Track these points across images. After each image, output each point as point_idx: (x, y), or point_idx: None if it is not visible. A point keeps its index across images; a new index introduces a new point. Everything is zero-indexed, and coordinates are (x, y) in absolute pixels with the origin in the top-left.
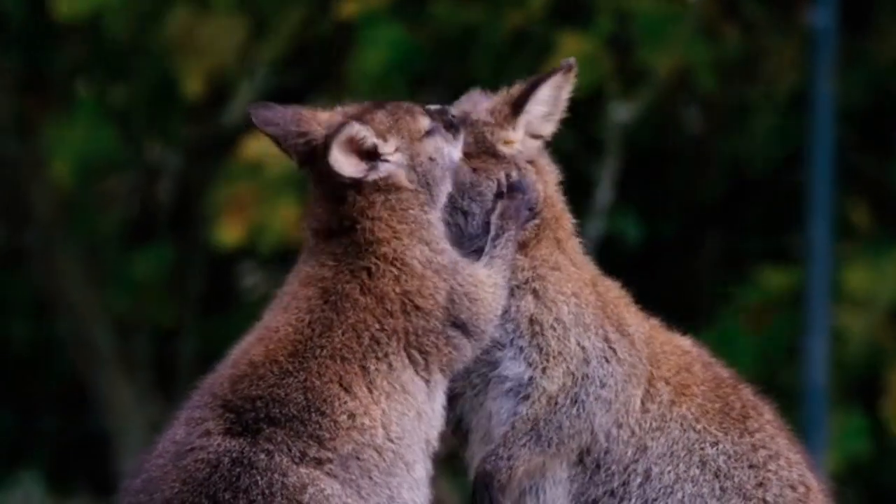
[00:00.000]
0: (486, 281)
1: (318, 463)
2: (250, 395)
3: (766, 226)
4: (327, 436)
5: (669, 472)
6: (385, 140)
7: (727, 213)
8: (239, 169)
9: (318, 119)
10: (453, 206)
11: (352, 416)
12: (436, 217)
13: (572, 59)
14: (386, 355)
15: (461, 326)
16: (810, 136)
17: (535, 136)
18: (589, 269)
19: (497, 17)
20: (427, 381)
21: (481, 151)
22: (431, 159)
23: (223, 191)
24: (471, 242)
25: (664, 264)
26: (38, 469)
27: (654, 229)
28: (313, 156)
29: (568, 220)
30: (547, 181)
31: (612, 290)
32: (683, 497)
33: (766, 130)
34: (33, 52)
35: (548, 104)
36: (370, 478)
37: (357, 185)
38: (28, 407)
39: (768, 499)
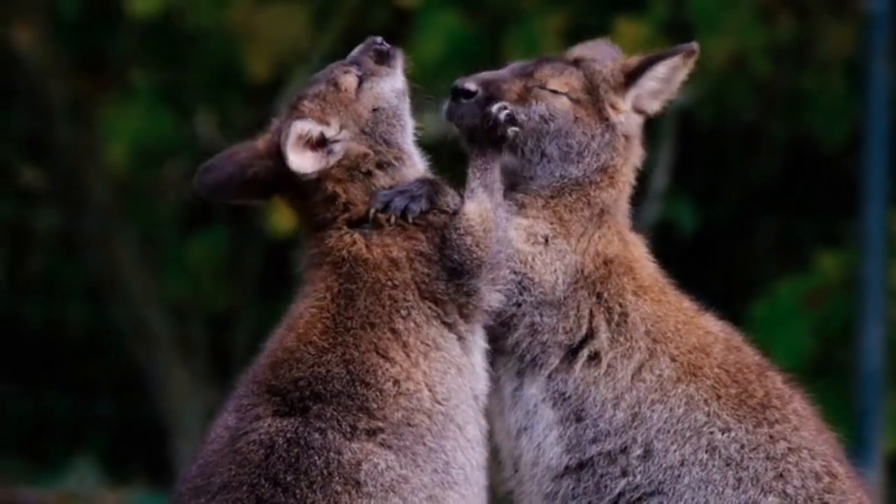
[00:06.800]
0: (473, 211)
1: (370, 434)
2: (292, 377)
3: (821, 210)
4: (375, 406)
5: (675, 451)
6: (328, 124)
7: (782, 197)
8: None
9: (255, 147)
10: (534, 144)
11: (396, 382)
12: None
13: (695, 44)
14: (409, 312)
15: (460, 271)
16: (865, 122)
17: (640, 112)
18: (632, 248)
19: (552, 4)
20: (458, 336)
21: (590, 104)
22: (375, 109)
23: None
24: (527, 183)
25: (719, 249)
26: (93, 454)
27: (708, 214)
28: (276, 181)
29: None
30: (627, 158)
31: (637, 272)
32: (691, 482)
33: (821, 115)
34: (90, 36)
35: (660, 82)
36: (424, 444)
37: (326, 176)
38: (84, 392)
39: (789, 491)
